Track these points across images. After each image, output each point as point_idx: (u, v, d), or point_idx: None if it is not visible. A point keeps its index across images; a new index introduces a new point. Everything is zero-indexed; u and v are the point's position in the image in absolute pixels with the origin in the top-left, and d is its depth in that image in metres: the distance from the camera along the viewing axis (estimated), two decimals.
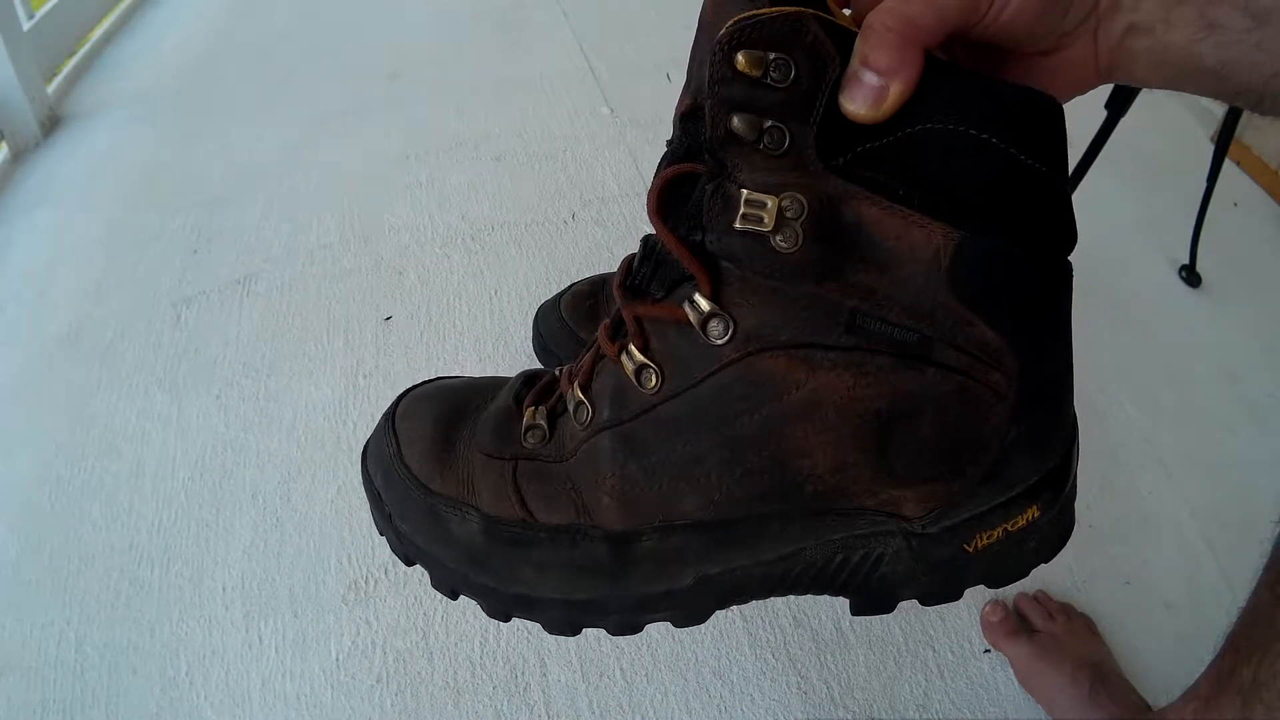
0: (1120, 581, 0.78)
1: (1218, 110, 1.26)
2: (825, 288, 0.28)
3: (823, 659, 0.71)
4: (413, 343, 0.97)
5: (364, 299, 1.02)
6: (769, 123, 0.27)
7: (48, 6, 1.45)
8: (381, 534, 0.39)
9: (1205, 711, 0.45)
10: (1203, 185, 0.98)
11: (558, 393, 0.36)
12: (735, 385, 0.29)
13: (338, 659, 0.71)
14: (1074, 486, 0.33)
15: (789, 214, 0.27)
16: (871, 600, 0.34)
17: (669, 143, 0.34)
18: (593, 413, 0.33)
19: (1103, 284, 1.06)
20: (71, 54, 1.53)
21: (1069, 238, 0.29)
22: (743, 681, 0.70)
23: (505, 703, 0.68)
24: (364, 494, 0.40)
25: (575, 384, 0.34)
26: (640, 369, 0.31)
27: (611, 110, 1.34)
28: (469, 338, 0.98)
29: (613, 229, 1.12)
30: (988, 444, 0.30)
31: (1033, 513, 0.32)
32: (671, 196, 0.31)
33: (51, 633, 0.72)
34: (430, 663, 0.70)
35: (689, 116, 0.32)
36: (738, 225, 0.28)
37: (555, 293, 0.90)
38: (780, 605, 0.74)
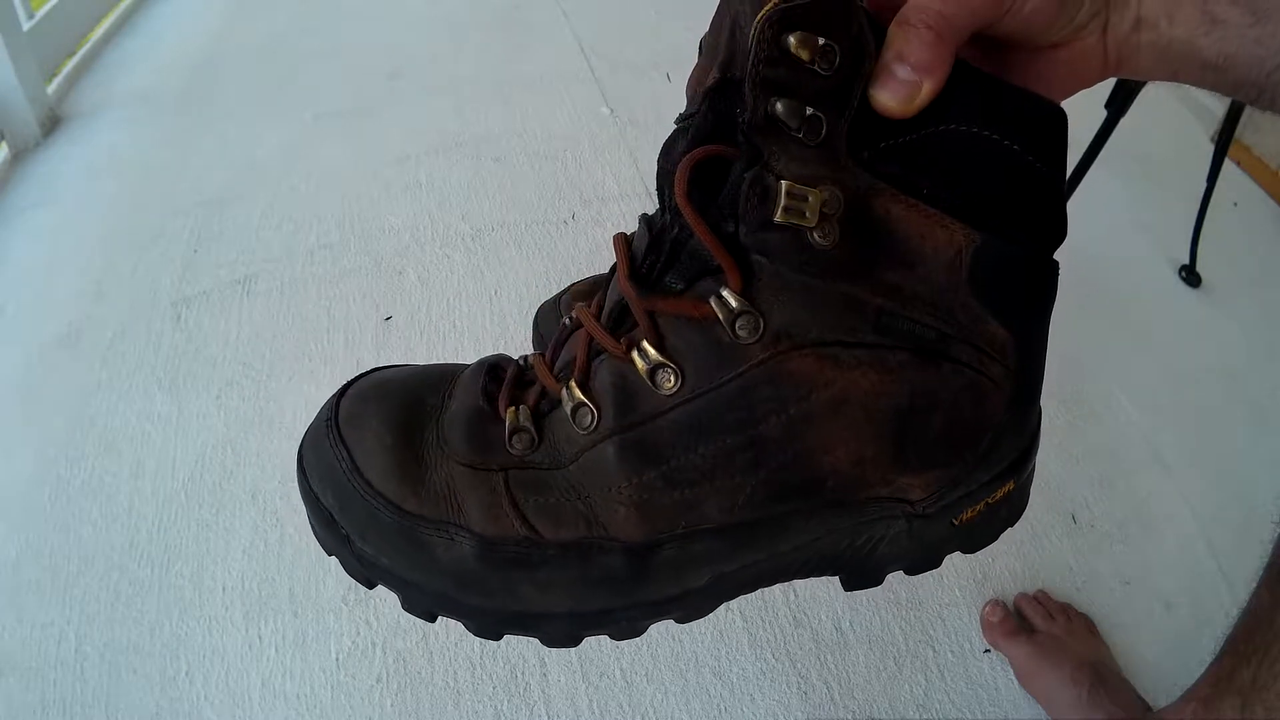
0: (1120, 581, 0.78)
1: (1218, 110, 1.26)
2: (857, 286, 0.28)
3: (823, 659, 0.71)
4: (413, 343, 0.97)
5: (364, 299, 1.02)
6: (810, 110, 0.26)
7: (48, 6, 1.46)
8: (330, 554, 0.34)
9: (1205, 712, 0.45)
10: (1203, 185, 0.98)
11: (537, 387, 0.34)
12: (762, 386, 0.28)
13: (338, 659, 0.71)
14: (1034, 466, 0.37)
15: (828, 210, 0.26)
16: (863, 575, 0.36)
17: (681, 118, 0.31)
18: (598, 417, 0.31)
19: (1103, 284, 1.06)
20: (71, 54, 1.53)
21: (1061, 234, 0.30)
22: (743, 681, 0.70)
23: (505, 703, 0.68)
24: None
25: (571, 382, 0.32)
26: (656, 369, 0.29)
27: (611, 110, 1.34)
28: (469, 338, 0.98)
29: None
30: (984, 431, 0.31)
31: (1009, 487, 0.34)
32: (698, 180, 0.29)
33: (51, 633, 0.72)
34: (430, 663, 0.70)
35: (717, 92, 0.29)
36: (778, 219, 0.26)
37: (555, 293, 0.90)
38: (780, 605, 0.74)
